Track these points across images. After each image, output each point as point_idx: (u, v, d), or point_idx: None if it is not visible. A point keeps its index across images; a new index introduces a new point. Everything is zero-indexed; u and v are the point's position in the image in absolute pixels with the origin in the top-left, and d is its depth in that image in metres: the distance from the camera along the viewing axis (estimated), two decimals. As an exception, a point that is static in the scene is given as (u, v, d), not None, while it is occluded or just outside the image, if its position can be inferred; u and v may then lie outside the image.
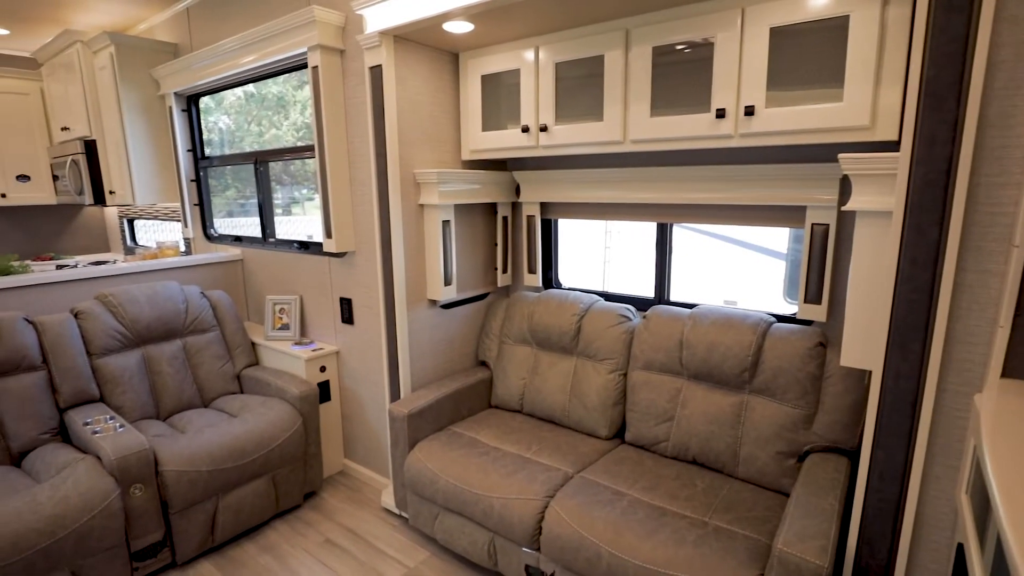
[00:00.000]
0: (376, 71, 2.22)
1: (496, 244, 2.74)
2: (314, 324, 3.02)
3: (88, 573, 1.97)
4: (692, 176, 2.13)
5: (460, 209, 2.52)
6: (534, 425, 2.41)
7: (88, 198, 3.85)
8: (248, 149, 3.49)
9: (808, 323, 2.06)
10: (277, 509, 2.53)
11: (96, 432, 2.18)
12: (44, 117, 4.40)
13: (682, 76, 1.87)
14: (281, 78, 3.08)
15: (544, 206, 2.66)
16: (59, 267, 3.96)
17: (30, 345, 2.33)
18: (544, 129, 2.19)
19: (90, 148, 3.76)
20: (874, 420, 1.39)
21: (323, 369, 2.83)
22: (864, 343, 1.54)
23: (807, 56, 1.63)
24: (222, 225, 3.75)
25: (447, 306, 2.56)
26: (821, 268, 1.92)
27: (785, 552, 1.39)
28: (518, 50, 2.22)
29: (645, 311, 2.38)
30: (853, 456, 1.86)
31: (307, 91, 3.27)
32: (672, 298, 2.47)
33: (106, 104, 3.56)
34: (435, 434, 2.34)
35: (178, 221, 4.11)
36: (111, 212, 5.06)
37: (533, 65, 2.19)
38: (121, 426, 2.23)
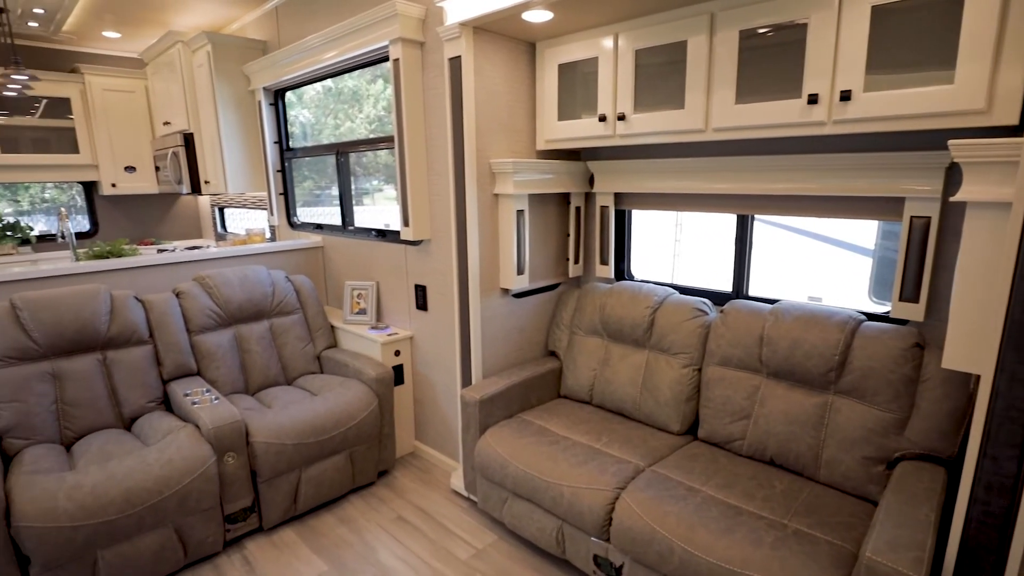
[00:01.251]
0: (455, 62, 2.26)
1: (568, 234, 2.73)
2: (389, 309, 3.13)
3: (188, 531, 2.14)
4: (776, 166, 2.04)
5: (534, 199, 2.53)
6: (604, 417, 2.40)
7: (186, 187, 4.15)
8: (325, 141, 3.64)
9: (903, 322, 1.93)
10: (353, 484, 2.66)
11: (195, 403, 2.36)
12: (148, 113, 4.76)
13: (771, 61, 1.79)
14: (356, 72, 3.19)
15: (618, 197, 2.63)
16: (160, 251, 4.30)
17: (139, 321, 2.55)
18: (622, 118, 2.15)
19: (188, 141, 4.04)
20: (982, 427, 1.29)
21: (397, 353, 2.93)
22: (972, 345, 1.43)
23: (913, 35, 1.52)
24: (301, 214, 3.94)
25: (519, 295, 2.58)
26: (919, 264, 1.79)
27: (875, 561, 1.33)
28: (596, 38, 2.20)
29: (721, 305, 2.32)
30: (950, 466, 1.73)
31: (380, 85, 3.37)
32: (750, 293, 2.38)
33: (203, 99, 3.81)
34: (505, 421, 2.37)
35: (262, 209, 4.35)
36: (204, 200, 5.43)
37: (612, 53, 2.16)
38: (216, 398, 2.40)
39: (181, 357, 2.63)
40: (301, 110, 3.87)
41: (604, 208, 2.63)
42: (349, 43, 2.77)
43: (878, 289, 2.34)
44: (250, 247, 3.33)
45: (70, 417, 2.34)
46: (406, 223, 2.68)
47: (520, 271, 2.47)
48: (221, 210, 5.21)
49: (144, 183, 4.83)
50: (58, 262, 3.88)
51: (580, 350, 2.57)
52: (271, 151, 3.73)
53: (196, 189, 4.14)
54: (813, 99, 1.67)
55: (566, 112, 2.40)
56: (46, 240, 4.70)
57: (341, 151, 3.29)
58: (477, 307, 2.42)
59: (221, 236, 5.17)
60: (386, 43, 2.56)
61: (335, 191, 3.84)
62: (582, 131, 2.31)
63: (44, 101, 4.37)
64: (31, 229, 4.48)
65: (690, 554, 1.62)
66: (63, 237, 4.72)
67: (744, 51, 1.83)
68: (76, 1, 3.48)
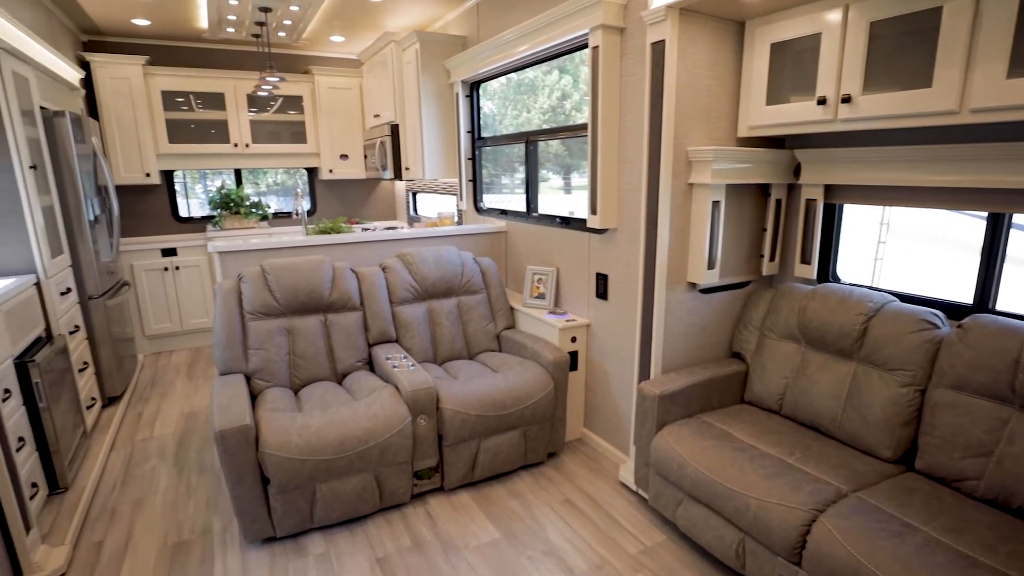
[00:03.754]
0: (658, 47, 2.19)
1: (764, 229, 2.53)
2: (567, 296, 3.18)
3: (385, 480, 2.41)
4: (1057, 154, 1.67)
5: (729, 190, 2.38)
6: (794, 430, 2.19)
7: (389, 173, 4.61)
8: (504, 131, 3.78)
9: None
10: (524, 461, 2.77)
11: (395, 367, 2.64)
12: (360, 107, 5.38)
13: (1064, 24, 1.46)
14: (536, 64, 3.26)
15: (828, 189, 2.36)
16: (363, 230, 4.85)
17: (353, 290, 2.91)
18: (846, 100, 1.92)
19: (394, 131, 4.48)
20: None
21: (574, 340, 2.97)
22: None
23: None
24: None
25: (706, 291, 2.46)
26: None
27: None
28: (820, 12, 1.98)
29: (955, 319, 1.98)
30: None
31: (555, 76, 3.40)
32: (999, 308, 2.00)
33: (409, 93, 4.19)
34: (684, 420, 2.29)
35: (450, 194, 4.68)
36: (399, 185, 6.00)
37: (839, 27, 1.93)
38: (413, 365, 2.65)
39: (384, 325, 2.95)
40: (485, 101, 4.08)
41: (811, 201, 2.38)
42: (545, 35, 2.84)
43: None
44: (442, 229, 3.61)
45: (298, 367, 2.76)
46: (593, 211, 2.69)
47: (711, 265, 2.34)
48: (414, 194, 5.72)
49: (354, 169, 5.48)
50: (284, 235, 4.57)
51: (771, 355, 2.38)
52: (464, 140, 3.98)
53: (398, 175, 4.59)
54: None
55: (775, 95, 2.21)
56: (278, 216, 5.58)
57: (530, 139, 3.40)
58: (662, 300, 2.35)
59: (414, 218, 5.68)
60: (585, 31, 2.57)
61: (505, 180, 4.01)
62: (795, 116, 2.11)
63: (280, 99, 5.15)
64: (269, 207, 5.34)
65: (907, 599, 1.42)
66: (297, 214, 5.55)
67: (1025, 13, 1.51)
68: (316, 12, 4.03)
